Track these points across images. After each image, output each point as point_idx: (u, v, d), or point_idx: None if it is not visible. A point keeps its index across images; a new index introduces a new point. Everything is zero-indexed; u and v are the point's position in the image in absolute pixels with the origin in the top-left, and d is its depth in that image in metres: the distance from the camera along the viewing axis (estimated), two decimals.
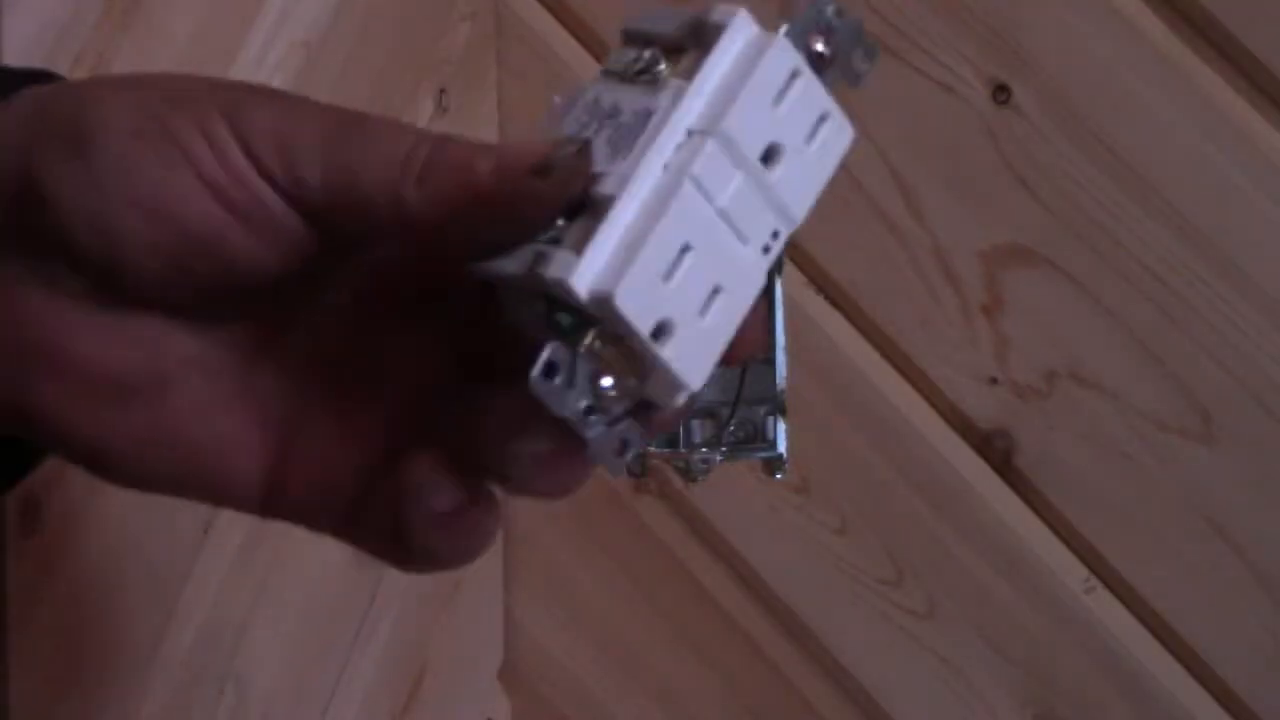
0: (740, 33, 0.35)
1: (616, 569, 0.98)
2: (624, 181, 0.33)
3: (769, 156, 0.34)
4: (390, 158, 0.34)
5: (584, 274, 0.32)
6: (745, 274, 0.34)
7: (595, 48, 0.92)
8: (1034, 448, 0.89)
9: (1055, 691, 0.92)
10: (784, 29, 0.35)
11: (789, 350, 0.52)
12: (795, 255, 0.90)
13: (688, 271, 0.33)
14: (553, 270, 0.33)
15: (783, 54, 0.35)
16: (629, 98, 0.34)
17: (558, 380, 0.33)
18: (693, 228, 0.33)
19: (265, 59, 0.69)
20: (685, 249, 0.33)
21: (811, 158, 0.35)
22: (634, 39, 0.36)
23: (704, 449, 0.51)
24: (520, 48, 0.93)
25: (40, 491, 0.56)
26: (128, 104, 0.35)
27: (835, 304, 0.91)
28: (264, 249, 0.35)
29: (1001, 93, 0.86)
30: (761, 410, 0.52)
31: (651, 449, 0.51)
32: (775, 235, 0.35)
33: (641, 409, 0.34)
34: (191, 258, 0.35)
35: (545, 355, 0.32)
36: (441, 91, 0.86)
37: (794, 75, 0.35)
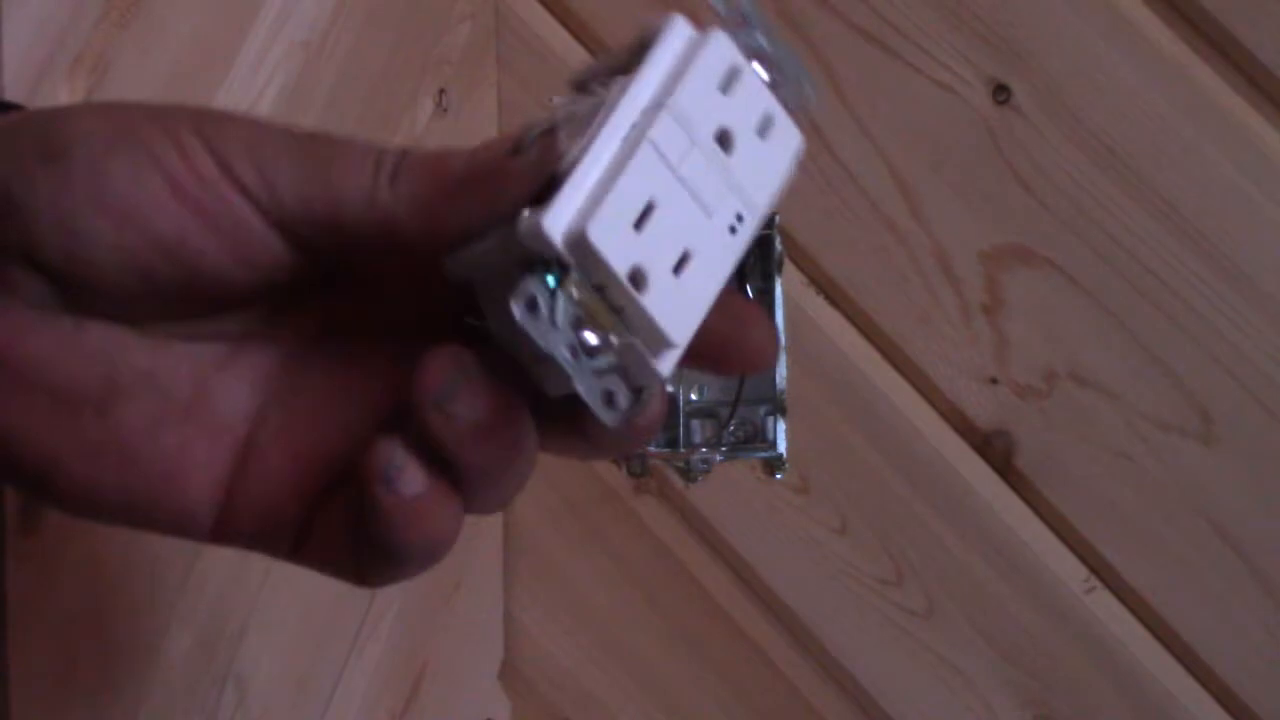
0: (679, 33, 0.36)
1: (616, 569, 0.98)
2: (585, 148, 0.34)
3: (723, 141, 0.35)
4: (362, 161, 0.35)
5: (556, 218, 0.33)
6: (714, 247, 0.35)
7: (595, 48, 0.92)
8: (1034, 448, 0.89)
9: (1055, 691, 0.92)
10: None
11: (789, 350, 0.52)
12: (795, 255, 0.90)
13: (656, 226, 0.34)
14: (524, 225, 0.33)
15: (721, 46, 0.36)
16: (581, 103, 0.35)
17: (542, 316, 0.33)
18: (656, 186, 0.34)
19: (265, 59, 0.69)
20: (651, 206, 0.34)
21: (766, 154, 0.36)
22: (580, 84, 0.36)
23: (704, 449, 0.51)
24: (520, 48, 0.93)
25: None
26: (100, 117, 0.35)
27: (835, 304, 0.91)
28: (230, 258, 0.35)
29: (1001, 93, 0.86)
30: (761, 410, 0.52)
31: (651, 449, 0.51)
32: (740, 218, 0.35)
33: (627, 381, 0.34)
34: (157, 262, 0.34)
35: (526, 287, 0.33)
36: (441, 92, 0.86)
37: (735, 70, 0.36)
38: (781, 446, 0.52)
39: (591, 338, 0.33)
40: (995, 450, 0.90)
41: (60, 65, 0.55)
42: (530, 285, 0.33)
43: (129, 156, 0.34)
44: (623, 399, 0.34)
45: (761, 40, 0.37)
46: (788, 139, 0.37)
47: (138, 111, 0.35)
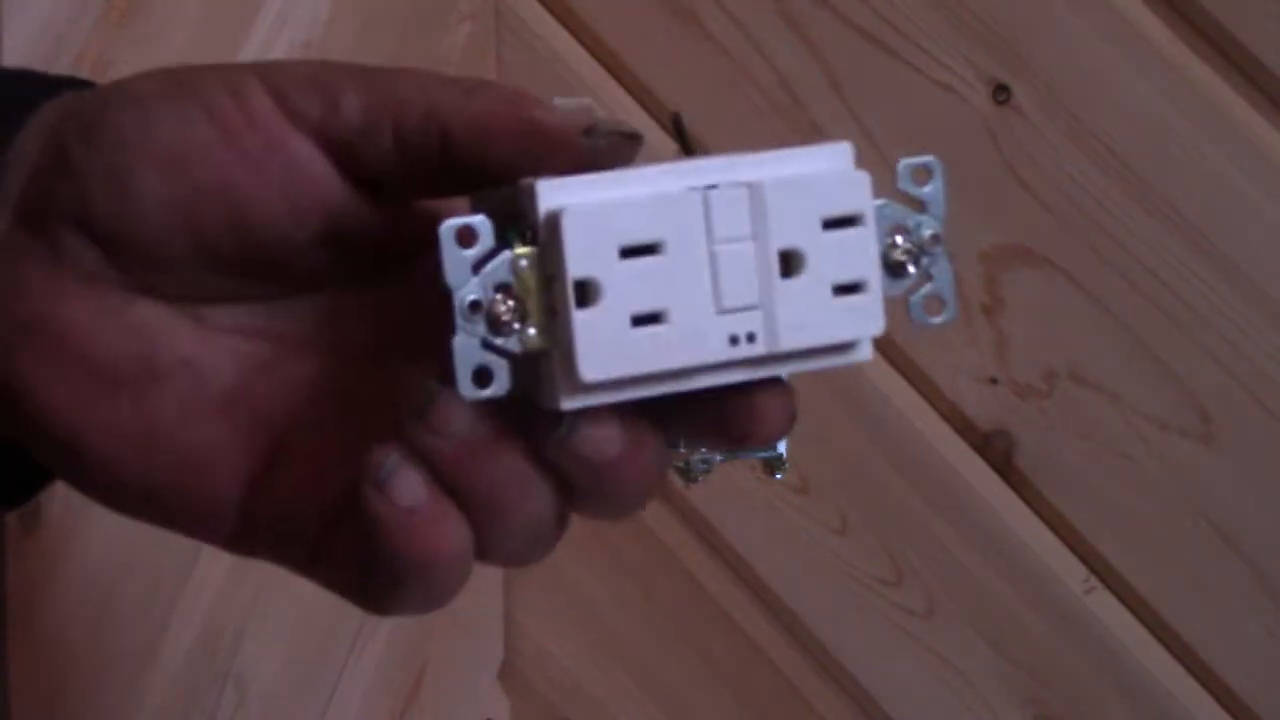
0: (836, 153, 0.33)
1: (616, 569, 0.98)
2: (646, 166, 0.32)
3: (788, 261, 0.32)
4: (435, 78, 0.34)
5: (555, 189, 0.31)
6: (698, 335, 0.31)
7: (595, 47, 0.92)
8: (1034, 448, 0.89)
9: (1055, 691, 0.92)
10: (871, 187, 0.33)
11: None
12: None
13: (647, 267, 0.31)
14: (527, 180, 0.31)
15: (855, 186, 0.33)
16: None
17: (464, 254, 0.31)
18: (674, 230, 0.31)
19: (265, 59, 0.69)
20: (656, 247, 0.31)
21: (827, 311, 0.32)
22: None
23: (704, 449, 0.51)
24: (520, 48, 0.93)
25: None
26: (159, 75, 0.35)
27: None
28: (283, 205, 0.34)
29: (1001, 93, 0.86)
30: None
31: None
32: (751, 339, 0.31)
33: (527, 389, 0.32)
34: (208, 216, 0.34)
35: (469, 219, 0.31)
36: None
37: (854, 217, 0.32)
38: (781, 447, 0.52)
39: (503, 310, 0.31)
40: (995, 450, 0.90)
41: (60, 65, 0.55)
42: (477, 222, 0.31)
43: (178, 105, 0.34)
44: (498, 387, 0.31)
45: (925, 231, 0.34)
46: (865, 318, 0.32)
47: (201, 68, 0.35)
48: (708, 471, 0.52)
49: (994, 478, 0.90)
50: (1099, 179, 0.86)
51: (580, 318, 0.31)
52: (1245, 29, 0.83)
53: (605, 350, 0.31)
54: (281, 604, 0.74)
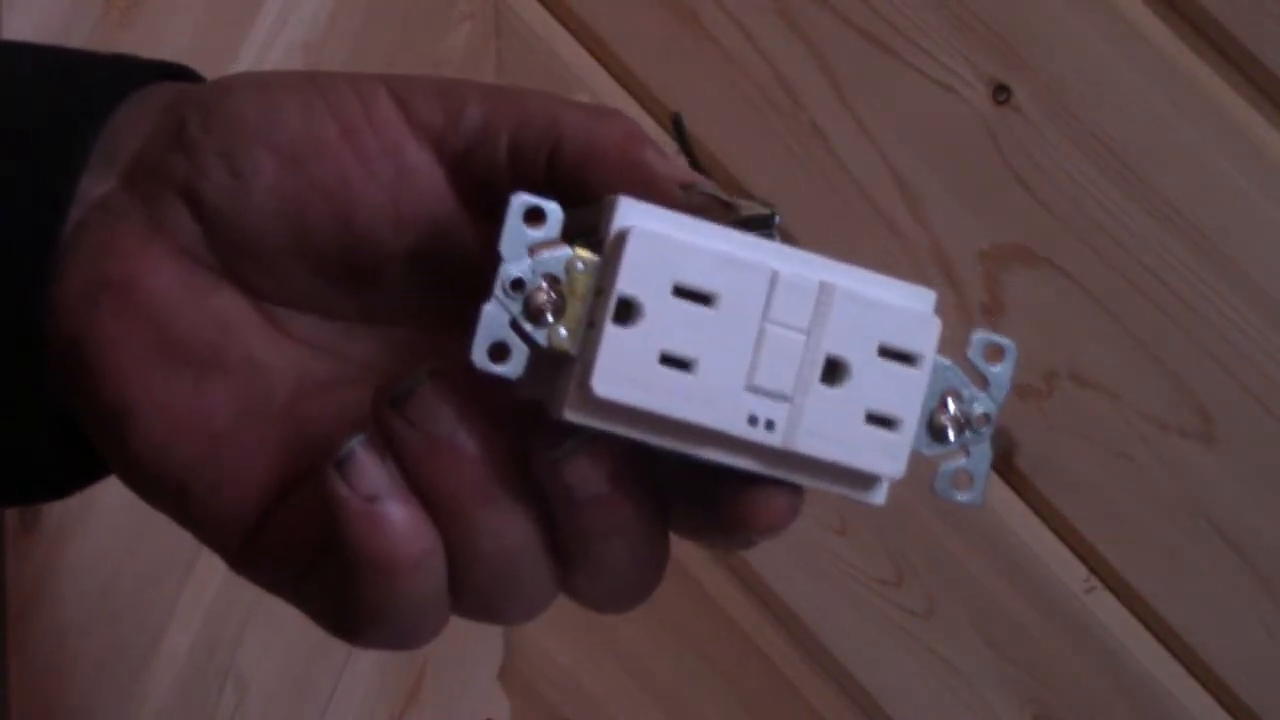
0: (921, 296, 0.33)
1: None
2: (734, 237, 0.32)
3: (832, 370, 0.32)
4: (565, 99, 0.35)
5: (635, 210, 0.31)
6: (719, 398, 0.31)
7: (595, 48, 0.92)
8: (1034, 448, 0.89)
9: (1055, 691, 0.92)
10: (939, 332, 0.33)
11: None
12: None
13: (692, 314, 0.31)
14: (611, 196, 0.32)
15: (928, 326, 0.32)
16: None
17: (527, 232, 0.31)
18: (733, 291, 0.31)
19: (264, 60, 0.69)
20: (710, 298, 0.31)
21: (854, 433, 0.32)
22: None
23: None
24: (520, 48, 0.93)
25: None
26: (286, 71, 0.36)
27: None
28: (388, 210, 0.35)
29: (1001, 93, 0.86)
30: None
31: None
32: (770, 425, 0.31)
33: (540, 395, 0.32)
34: (313, 209, 0.34)
35: (543, 200, 0.31)
36: None
37: (915, 356, 0.32)
38: None
39: (543, 299, 0.31)
40: (996, 450, 0.90)
41: None
42: (550, 207, 0.31)
43: (303, 97, 0.35)
44: (509, 368, 0.31)
45: (978, 408, 0.34)
46: (888, 456, 0.33)
47: (331, 72, 0.36)
48: None
49: (994, 478, 0.90)
50: (1099, 179, 0.86)
51: (612, 332, 0.31)
52: (1245, 28, 0.83)
53: (624, 372, 0.31)
54: (281, 604, 0.74)
